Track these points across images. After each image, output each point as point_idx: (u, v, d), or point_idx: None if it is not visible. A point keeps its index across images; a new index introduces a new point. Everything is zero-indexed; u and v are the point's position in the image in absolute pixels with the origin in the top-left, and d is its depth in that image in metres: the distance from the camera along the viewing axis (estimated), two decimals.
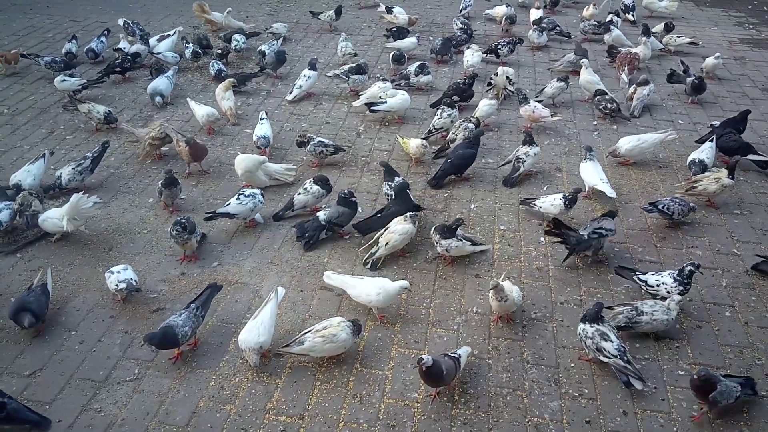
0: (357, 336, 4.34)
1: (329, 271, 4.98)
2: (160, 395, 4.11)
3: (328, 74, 8.44)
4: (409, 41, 9.29)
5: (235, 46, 9.17)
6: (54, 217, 5.37)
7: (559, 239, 5.26)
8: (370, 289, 4.65)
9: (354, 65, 8.28)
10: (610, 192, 5.91)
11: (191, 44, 8.94)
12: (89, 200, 5.46)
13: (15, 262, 5.28)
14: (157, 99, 7.72)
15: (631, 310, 4.52)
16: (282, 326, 4.64)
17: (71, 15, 11.10)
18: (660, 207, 5.66)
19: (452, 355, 4.01)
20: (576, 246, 5.18)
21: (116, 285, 4.73)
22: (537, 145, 6.49)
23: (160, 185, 5.83)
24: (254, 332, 4.24)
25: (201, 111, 7.21)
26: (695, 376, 3.92)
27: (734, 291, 5.06)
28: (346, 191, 5.58)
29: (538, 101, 7.63)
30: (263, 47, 8.95)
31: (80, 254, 5.38)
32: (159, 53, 8.89)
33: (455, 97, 7.44)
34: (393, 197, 5.78)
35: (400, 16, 10.45)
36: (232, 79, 7.72)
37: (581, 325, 4.33)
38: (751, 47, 10.24)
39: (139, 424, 3.91)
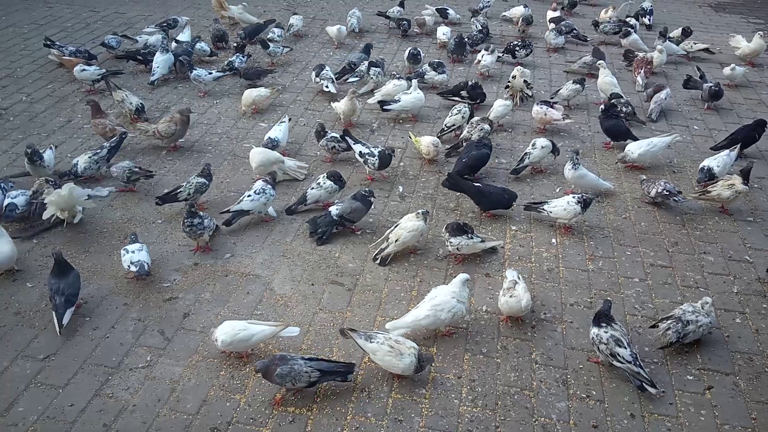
0: (415, 371, 4.12)
1: (390, 323, 4.52)
2: (172, 383, 4.16)
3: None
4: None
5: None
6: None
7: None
8: (440, 313, 4.44)
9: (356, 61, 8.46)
10: (609, 185, 6.31)
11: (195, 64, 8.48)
12: (84, 191, 5.52)
13: (31, 248, 5.35)
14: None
15: (677, 323, 4.41)
16: (292, 318, 4.68)
17: (91, 5, 11.21)
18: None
19: None
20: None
21: (128, 266, 4.89)
22: (548, 139, 6.55)
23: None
24: (230, 329, 4.22)
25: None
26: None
27: (745, 298, 5.05)
28: (367, 189, 5.61)
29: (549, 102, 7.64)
30: (271, 47, 8.95)
31: (95, 242, 5.45)
32: (189, 42, 8.98)
33: (463, 92, 7.77)
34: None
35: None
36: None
37: (594, 330, 4.31)
38: None
39: (150, 411, 3.97)
